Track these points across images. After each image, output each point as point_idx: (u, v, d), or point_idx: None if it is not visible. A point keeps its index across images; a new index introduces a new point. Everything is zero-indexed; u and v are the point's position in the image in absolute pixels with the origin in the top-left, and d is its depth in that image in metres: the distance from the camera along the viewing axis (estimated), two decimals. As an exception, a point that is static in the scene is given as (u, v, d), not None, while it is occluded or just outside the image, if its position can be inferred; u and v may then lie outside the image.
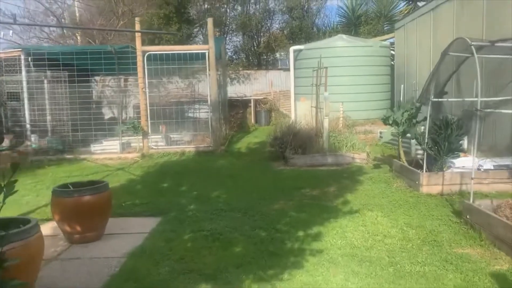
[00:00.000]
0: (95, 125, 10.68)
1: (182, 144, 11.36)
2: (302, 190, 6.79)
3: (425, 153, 6.48)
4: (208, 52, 10.44)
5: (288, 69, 15.58)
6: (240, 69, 19.18)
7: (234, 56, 20.44)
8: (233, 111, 17.37)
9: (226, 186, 7.16)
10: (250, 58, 21.10)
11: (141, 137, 10.52)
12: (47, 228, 5.18)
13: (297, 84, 15.09)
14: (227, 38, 20.82)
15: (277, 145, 9.25)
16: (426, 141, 6.43)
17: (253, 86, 18.92)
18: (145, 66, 10.40)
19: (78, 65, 10.69)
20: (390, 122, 7.25)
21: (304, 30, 19.82)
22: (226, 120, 14.45)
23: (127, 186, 7.47)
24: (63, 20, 16.53)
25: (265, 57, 21.21)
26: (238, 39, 21.03)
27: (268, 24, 21.02)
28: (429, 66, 12.23)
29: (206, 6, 18.57)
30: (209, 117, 10.79)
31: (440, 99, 6.57)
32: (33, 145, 11.59)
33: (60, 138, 11.48)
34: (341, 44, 14.35)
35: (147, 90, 10.52)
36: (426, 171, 6.42)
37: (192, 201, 6.34)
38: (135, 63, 10.35)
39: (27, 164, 9.93)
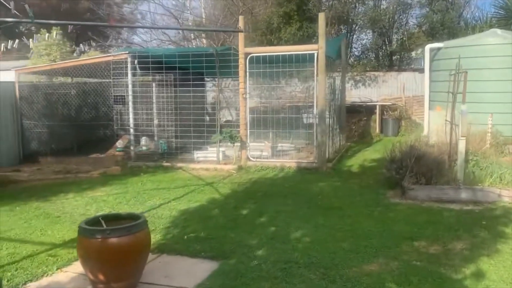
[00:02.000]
0: (197, 132, 10.03)
1: (284, 156, 10.08)
2: (416, 242, 4.92)
3: None
4: (317, 53, 8.95)
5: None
6: (368, 69, 17.11)
7: (361, 56, 18.41)
8: (355, 118, 15.50)
9: (314, 223, 5.64)
10: (380, 58, 18.80)
11: (239, 146, 9.56)
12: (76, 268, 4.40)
13: (433, 89, 12.59)
14: (354, 36, 18.87)
15: (394, 169, 7.35)
16: None
17: (381, 89, 16.68)
18: (247, 70, 9.38)
19: (180, 67, 10.17)
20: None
21: (447, 25, 16.81)
22: (342, 130, 12.73)
23: (204, 209, 6.48)
24: (187, 22, 16.63)
25: (397, 56, 18.68)
26: (366, 37, 18.94)
27: (403, 19, 18.45)
28: None
29: (330, 2, 16.93)
30: (314, 130, 9.30)
31: None
32: (143, 148, 11.55)
33: (166, 143, 11.23)
34: (494, 41, 11.43)
35: (247, 96, 9.49)
36: None
37: (264, 242, 5.00)
38: (236, 66, 9.39)
39: (126, 169, 9.75)
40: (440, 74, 12.00)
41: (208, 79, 15.18)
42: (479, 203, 6.43)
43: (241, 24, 9.35)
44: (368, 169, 9.33)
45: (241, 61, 9.32)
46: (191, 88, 10.14)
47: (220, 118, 12.14)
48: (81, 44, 23.31)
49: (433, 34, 16.87)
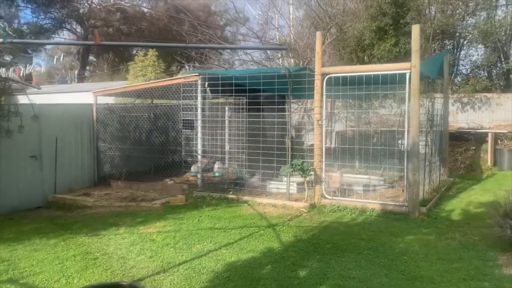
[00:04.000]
0: (273, 159, 8.96)
1: (367, 193, 8.54)
2: None
3: None
4: (410, 73, 7.38)
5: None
6: (478, 90, 14.62)
7: (470, 75, 15.88)
8: (461, 147, 13.24)
9: (390, 304, 4.18)
10: (494, 76, 16.07)
11: (311, 179, 8.28)
12: None
13: None
14: (462, 52, 16.40)
15: (509, 227, 5.51)
16: None
17: (495, 114, 14.10)
18: (324, 92, 8.12)
19: (251, 90, 9.23)
20: None
21: None
22: (444, 161, 10.72)
23: (255, 264, 5.33)
24: (273, 40, 15.85)
25: (516, 75, 15.81)
26: (477, 53, 16.34)
27: (525, 31, 15.58)
28: None
29: (432, 12, 14.85)
30: (405, 166, 7.65)
31: None
32: (216, 174, 10.83)
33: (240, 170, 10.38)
34: None
35: (324, 122, 8.20)
36: None
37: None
38: (311, 89, 8.18)
39: (190, 199, 9.03)
40: None
41: (294, 101, 14.19)
42: None
43: (318, 41, 8.16)
44: (473, 218, 7.40)
45: (317, 82, 8.10)
46: (264, 112, 9.17)
47: (305, 143, 11.03)
48: (173, 66, 23.93)
49: None
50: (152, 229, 6.98)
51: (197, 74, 9.37)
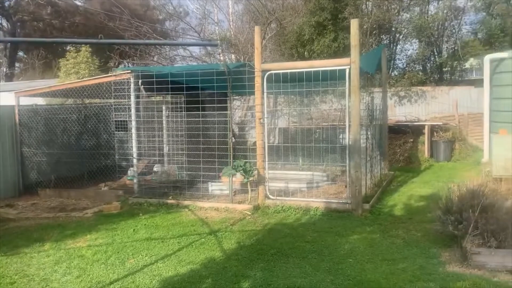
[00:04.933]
0: (209, 162, 8.53)
1: (311, 191, 8.40)
2: None
3: None
4: (350, 69, 7.26)
5: (482, 85, 11.11)
6: (414, 83, 15.04)
7: (406, 69, 16.34)
8: (400, 139, 13.54)
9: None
10: (428, 70, 16.63)
11: (254, 179, 7.99)
12: None
13: (494, 108, 10.54)
14: (398, 47, 16.83)
15: (451, 223, 5.51)
16: None
17: (430, 107, 14.60)
18: (265, 89, 7.84)
19: (189, 88, 8.75)
20: None
21: (508, 31, 14.54)
22: (384, 155, 10.85)
23: (194, 278, 4.92)
24: (212, 35, 15.38)
25: (448, 69, 16.43)
26: (412, 48, 16.85)
27: (455, 26, 16.22)
28: None
29: (369, 8, 15.07)
30: (347, 164, 7.56)
31: None
32: (155, 177, 10.26)
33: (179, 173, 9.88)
34: None
35: (265, 121, 7.92)
36: None
37: None
38: (252, 86, 7.86)
39: (126, 206, 8.42)
40: (505, 90, 9.96)
41: (236, 97, 13.85)
42: None
43: (257, 36, 7.84)
44: (415, 212, 7.45)
45: (257, 79, 7.79)
46: (204, 111, 8.73)
47: (249, 141, 10.70)
48: (110, 62, 22.70)
49: (491, 43, 14.68)
50: (82, 243, 6.35)
51: (129, 71, 8.74)
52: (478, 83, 12.42)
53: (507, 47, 14.21)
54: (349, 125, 7.50)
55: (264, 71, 7.83)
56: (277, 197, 7.98)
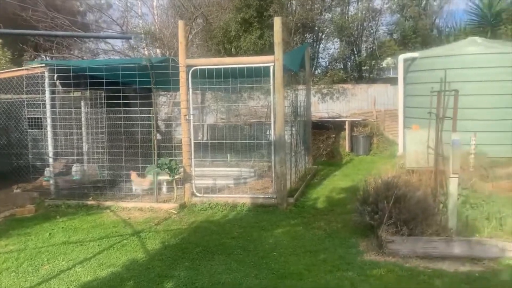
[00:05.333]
0: (133, 160, 8.22)
1: (238, 187, 8.45)
2: None
3: None
4: (274, 66, 7.37)
5: (397, 83, 11.83)
6: (335, 81, 15.68)
7: (328, 67, 17.02)
8: (323, 135, 14.03)
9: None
10: (349, 69, 17.45)
11: (181, 177, 7.86)
12: None
13: (408, 105, 11.27)
14: (321, 46, 17.47)
15: (367, 213, 5.81)
16: None
17: (351, 104, 15.33)
18: (190, 86, 7.72)
19: (111, 83, 8.36)
20: None
21: (420, 33, 15.66)
22: (308, 150, 11.20)
23: (115, 282, 4.72)
24: (136, 29, 14.84)
25: (367, 67, 17.37)
26: (334, 47, 17.57)
27: (373, 27, 17.16)
28: None
29: (293, 7, 15.47)
30: (272, 159, 7.69)
31: None
32: (75, 177, 9.67)
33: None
34: (474, 50, 10.22)
35: (191, 117, 7.81)
36: None
37: None
38: (177, 82, 7.70)
39: (42, 209, 7.88)
40: (416, 87, 10.69)
41: (162, 93, 13.51)
42: (478, 261, 4.96)
43: (180, 31, 7.70)
44: (336, 204, 7.76)
45: (182, 75, 7.64)
46: (127, 107, 8.39)
47: (175, 138, 10.47)
48: (26, 55, 21.06)
49: (405, 43, 15.71)
50: (-10, 251, 5.84)
51: (43, 65, 8.16)
52: (394, 81, 13.23)
53: (419, 47, 15.30)
54: (274, 122, 7.62)
55: (189, 67, 7.71)
56: (204, 195, 7.91)
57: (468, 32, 15.36)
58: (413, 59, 11.12)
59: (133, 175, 8.29)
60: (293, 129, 9.34)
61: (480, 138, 9.28)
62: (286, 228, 6.42)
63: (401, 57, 11.35)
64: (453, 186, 5.35)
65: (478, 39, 10.94)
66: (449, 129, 5.94)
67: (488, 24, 15.31)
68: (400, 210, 5.52)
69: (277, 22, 7.37)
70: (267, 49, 13.93)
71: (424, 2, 16.29)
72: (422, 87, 9.83)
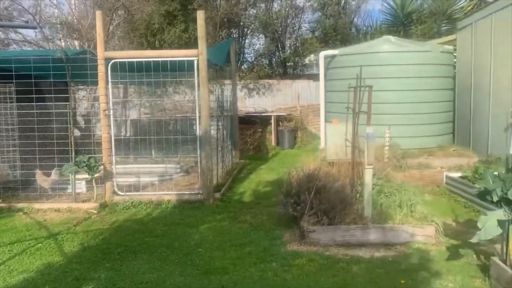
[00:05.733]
0: (49, 159, 7.69)
1: (164, 184, 8.29)
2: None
3: None
4: (198, 60, 7.30)
5: (319, 79, 12.25)
6: (261, 77, 15.91)
7: (254, 62, 17.22)
8: (250, 129, 14.20)
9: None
10: (274, 64, 17.79)
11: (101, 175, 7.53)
12: None
13: (329, 100, 11.74)
14: (247, 41, 17.62)
15: (290, 205, 5.98)
16: None
17: (276, 99, 15.66)
18: (110, 79, 7.40)
19: (19, 76, 7.74)
20: (494, 199, 3.84)
21: (340, 31, 16.37)
22: (235, 145, 11.27)
23: (28, 288, 4.41)
24: (51, 18, 13.90)
25: (291, 63, 17.83)
26: (259, 42, 17.82)
27: (296, 24, 17.65)
28: (510, 79, 8.65)
29: (218, 2, 15.43)
30: (198, 154, 7.63)
31: None
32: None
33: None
34: (388, 48, 10.90)
35: (111, 112, 7.50)
36: None
37: None
38: (96, 75, 7.34)
39: None
40: (336, 83, 11.17)
41: (81, 87, 12.81)
42: (391, 246, 5.31)
43: (98, 22, 7.33)
44: (262, 197, 7.90)
45: (100, 68, 7.30)
46: (40, 102, 7.84)
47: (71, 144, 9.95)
48: None
49: (326, 40, 16.32)
50: None
51: None
52: (316, 77, 13.70)
53: (339, 45, 15.99)
54: (199, 116, 7.56)
55: (108, 59, 7.38)
56: (127, 193, 7.65)
57: (383, 31, 16.35)
58: (333, 56, 11.60)
59: (38, 173, 7.76)
60: (220, 123, 9.34)
61: (394, 131, 9.95)
62: (212, 224, 6.41)
63: (322, 54, 11.78)
64: (368, 176, 5.67)
65: (391, 38, 11.66)
66: (365, 123, 6.27)
67: (401, 24, 16.41)
68: (320, 200, 5.74)
69: (201, 15, 7.29)
70: (192, 42, 13.75)
71: (343, 1, 17.04)
72: (341, 83, 10.28)
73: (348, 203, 5.75)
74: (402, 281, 4.33)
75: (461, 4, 16.38)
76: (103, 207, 7.26)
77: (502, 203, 3.78)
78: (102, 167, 7.48)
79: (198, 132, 7.54)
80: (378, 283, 4.30)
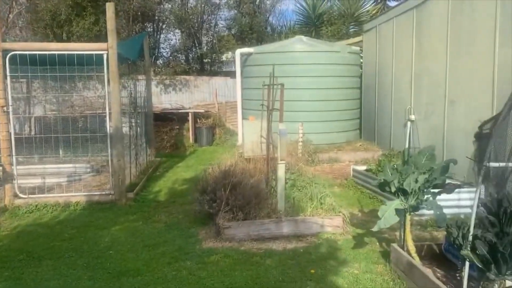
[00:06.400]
0: None
1: (73, 184, 7.82)
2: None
3: (467, 261, 3.42)
4: (107, 54, 6.98)
5: (236, 76, 12.35)
6: (178, 73, 15.64)
7: (170, 58, 16.88)
8: (167, 126, 13.92)
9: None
10: (191, 60, 17.58)
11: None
12: None
13: (245, 97, 11.92)
14: (162, 36, 17.23)
15: (206, 202, 5.97)
16: (469, 239, 3.37)
17: (194, 95, 15.51)
18: (8, 73, 6.80)
19: None
20: (393, 190, 4.16)
21: (255, 29, 16.64)
22: (151, 142, 10.97)
23: None
24: None
25: (208, 60, 17.76)
26: (175, 38, 17.50)
27: (212, 21, 17.61)
28: (410, 79, 9.44)
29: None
30: (109, 153, 7.31)
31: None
32: None
33: None
34: (301, 48, 11.32)
35: (10, 109, 6.90)
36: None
37: None
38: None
39: None
40: (252, 81, 11.36)
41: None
42: (303, 237, 5.53)
43: None
44: (178, 195, 7.79)
45: (-4, 61, 6.67)
46: None
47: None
48: None
49: (242, 38, 16.49)
50: None
51: None
52: (234, 74, 13.81)
53: (255, 43, 16.25)
54: (110, 113, 7.23)
55: (5, 51, 6.77)
56: (30, 196, 7.09)
57: (296, 31, 16.92)
58: (249, 54, 11.78)
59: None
60: (133, 120, 9.03)
61: (307, 128, 10.38)
62: (124, 225, 6.19)
63: (238, 51, 11.90)
64: (281, 171, 5.84)
65: (304, 38, 12.12)
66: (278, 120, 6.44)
67: (313, 25, 17.11)
68: (236, 196, 5.79)
69: (110, 8, 6.97)
70: (104, 36, 13.07)
71: (258, 0, 17.31)
72: (257, 81, 10.49)
73: (262, 198, 5.87)
74: (312, 271, 4.53)
75: (367, 7, 17.50)
76: (2, 212, 6.67)
77: (399, 193, 4.11)
78: (0, 168, 6.87)
79: (108, 130, 7.21)
80: (290, 274, 4.46)
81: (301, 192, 6.66)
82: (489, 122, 3.69)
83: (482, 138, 3.73)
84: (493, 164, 3.20)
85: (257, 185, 6.05)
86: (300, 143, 10.23)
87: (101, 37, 13.09)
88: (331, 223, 5.75)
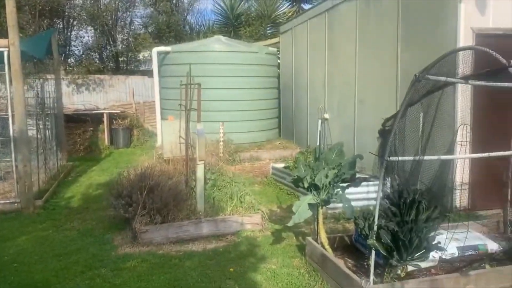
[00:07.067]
0: None
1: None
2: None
3: (373, 250, 3.66)
4: (8, 52, 6.45)
5: (153, 75, 12.01)
6: (91, 71, 14.87)
7: (83, 56, 16.00)
8: (80, 128, 13.18)
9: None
10: (105, 59, 16.80)
11: None
12: None
13: (164, 97, 11.66)
14: (73, 33, 16.27)
15: (122, 206, 5.75)
16: (374, 229, 3.60)
17: (109, 95, 14.84)
18: None
19: None
20: (306, 185, 4.33)
21: (173, 28, 16.35)
22: (62, 145, 10.33)
23: None
24: None
25: (124, 58, 17.10)
26: (88, 35, 16.63)
27: (127, 18, 16.99)
28: (323, 80, 9.91)
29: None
30: (13, 158, 6.76)
31: (401, 158, 3.83)
32: None
33: None
34: (219, 48, 11.34)
35: None
36: (374, 281, 3.62)
37: None
38: None
39: None
40: (170, 80, 11.16)
41: None
42: (223, 237, 5.56)
43: None
44: (92, 201, 7.42)
45: None
46: None
47: None
48: None
49: (160, 37, 16.12)
50: None
51: None
52: (151, 73, 13.45)
53: (173, 42, 15.97)
54: (13, 115, 6.69)
55: None
56: None
57: (215, 30, 16.92)
58: (167, 52, 11.55)
59: None
60: (41, 122, 8.44)
61: (228, 127, 10.43)
62: (32, 234, 5.76)
63: (155, 50, 11.62)
64: (200, 172, 5.81)
65: (222, 38, 12.16)
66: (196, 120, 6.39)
67: (232, 25, 17.24)
68: (153, 199, 5.64)
69: (10, 3, 6.44)
70: (6, 32, 12.07)
71: (175, -2, 17.06)
72: (175, 80, 10.30)
73: (181, 200, 5.79)
74: (231, 269, 4.56)
75: (283, 9, 18.00)
76: None
77: (311, 188, 4.29)
78: None
79: (12, 133, 6.66)
80: (209, 274, 4.45)
81: (222, 191, 6.68)
82: (390, 119, 3.99)
83: (385, 134, 4.02)
84: (392, 158, 3.45)
85: (175, 187, 5.95)
86: (221, 143, 10.25)
87: (2, 33, 12.04)
88: (250, 221, 5.83)
